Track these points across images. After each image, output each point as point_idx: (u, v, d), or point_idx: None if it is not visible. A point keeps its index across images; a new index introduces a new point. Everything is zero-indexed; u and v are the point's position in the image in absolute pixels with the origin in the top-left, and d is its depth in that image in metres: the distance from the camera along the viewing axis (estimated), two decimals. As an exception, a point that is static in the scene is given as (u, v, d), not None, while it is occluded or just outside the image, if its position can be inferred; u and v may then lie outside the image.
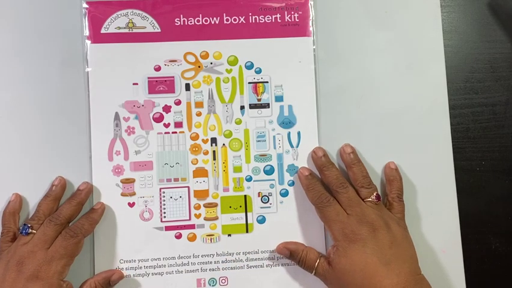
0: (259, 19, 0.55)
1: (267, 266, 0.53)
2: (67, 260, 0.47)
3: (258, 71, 0.55)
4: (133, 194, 0.53)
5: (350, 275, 0.47)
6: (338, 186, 0.50)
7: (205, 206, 0.53)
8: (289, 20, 0.55)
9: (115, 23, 0.54)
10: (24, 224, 0.48)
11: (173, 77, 0.54)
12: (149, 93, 0.54)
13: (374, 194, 0.50)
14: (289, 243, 0.52)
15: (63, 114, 0.53)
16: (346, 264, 0.47)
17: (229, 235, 0.53)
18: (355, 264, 0.47)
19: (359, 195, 0.50)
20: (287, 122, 0.54)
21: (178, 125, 0.54)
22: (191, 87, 0.54)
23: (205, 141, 0.54)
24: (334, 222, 0.49)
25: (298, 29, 0.55)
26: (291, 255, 0.51)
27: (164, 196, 0.53)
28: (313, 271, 0.50)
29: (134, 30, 0.54)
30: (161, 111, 0.54)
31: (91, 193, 0.52)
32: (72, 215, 0.50)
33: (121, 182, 0.53)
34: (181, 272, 0.52)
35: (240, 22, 0.55)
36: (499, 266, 0.56)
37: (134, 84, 0.54)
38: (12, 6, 0.54)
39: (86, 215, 0.50)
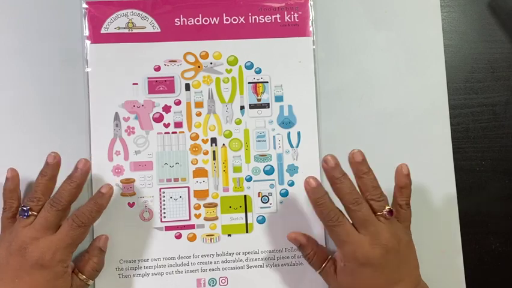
0: (259, 19, 0.55)
1: (267, 266, 0.53)
2: (72, 248, 0.47)
3: (258, 71, 0.55)
4: (133, 194, 0.53)
5: None
6: (351, 202, 0.45)
7: (205, 206, 0.53)
8: (289, 20, 0.55)
9: (115, 23, 0.54)
10: (23, 207, 0.47)
11: (173, 77, 0.54)
12: (149, 93, 0.54)
13: (386, 209, 0.46)
14: (300, 235, 0.51)
15: (63, 114, 0.53)
16: (352, 283, 0.46)
17: (229, 235, 0.53)
18: (361, 285, 0.46)
19: (370, 206, 0.46)
20: (287, 122, 0.54)
21: (178, 125, 0.54)
22: (191, 87, 0.54)
23: (205, 141, 0.54)
24: (344, 244, 0.45)
25: (298, 29, 0.55)
26: (300, 248, 0.51)
27: (164, 196, 0.53)
28: (319, 271, 0.50)
29: (134, 30, 0.54)
30: (161, 111, 0.54)
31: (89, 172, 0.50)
32: (72, 197, 0.48)
33: (121, 182, 0.53)
34: (181, 272, 0.52)
35: (240, 22, 0.55)
36: (499, 266, 0.56)
37: (134, 84, 0.54)
38: (12, 6, 0.54)
39: (94, 201, 0.48)
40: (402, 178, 0.48)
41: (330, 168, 0.46)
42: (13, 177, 0.49)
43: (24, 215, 0.46)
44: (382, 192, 0.47)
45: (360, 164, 0.47)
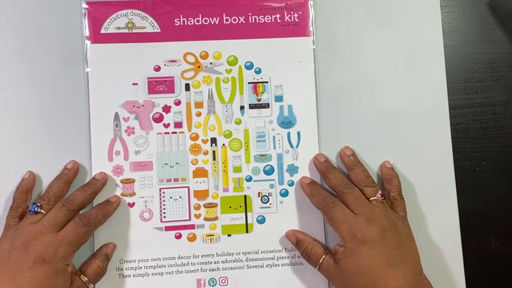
0: (258, 19, 0.55)
1: (267, 266, 0.53)
2: (75, 246, 0.47)
3: (258, 71, 0.55)
4: (133, 194, 0.53)
5: (356, 275, 0.46)
6: (343, 187, 0.50)
7: (205, 206, 0.53)
8: (289, 20, 0.55)
9: (115, 23, 0.54)
10: (34, 203, 0.49)
11: (173, 77, 0.54)
12: (149, 93, 0.54)
13: (379, 192, 0.50)
14: (298, 232, 0.52)
15: (63, 114, 0.53)
16: (353, 265, 0.47)
17: (229, 235, 0.53)
18: (362, 266, 0.46)
19: (364, 195, 0.50)
20: (287, 122, 0.54)
21: (178, 125, 0.54)
22: (191, 88, 0.54)
23: (205, 142, 0.54)
24: (341, 223, 0.48)
25: (298, 29, 0.55)
26: (297, 243, 0.51)
27: (164, 196, 0.53)
28: (318, 266, 0.50)
29: (134, 31, 0.54)
30: (161, 111, 0.54)
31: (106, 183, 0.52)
32: (85, 203, 0.50)
33: (121, 182, 0.53)
34: (181, 272, 0.52)
35: (240, 22, 0.55)
36: (499, 266, 0.56)
37: (134, 84, 0.54)
38: (12, 6, 0.54)
39: (101, 206, 0.50)
40: (387, 171, 0.53)
41: (320, 163, 0.52)
42: (28, 180, 0.51)
43: (33, 211, 0.48)
44: (374, 180, 0.51)
45: (350, 157, 0.52)
